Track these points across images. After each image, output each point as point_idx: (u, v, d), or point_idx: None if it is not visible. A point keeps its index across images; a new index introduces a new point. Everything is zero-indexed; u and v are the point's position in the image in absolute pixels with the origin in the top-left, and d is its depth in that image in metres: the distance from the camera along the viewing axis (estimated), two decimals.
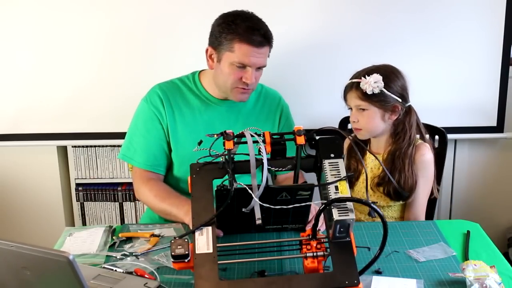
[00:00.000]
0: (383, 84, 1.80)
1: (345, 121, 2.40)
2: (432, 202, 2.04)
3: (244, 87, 1.81)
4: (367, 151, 1.92)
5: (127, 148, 1.93)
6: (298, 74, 2.45)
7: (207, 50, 1.85)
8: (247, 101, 1.93)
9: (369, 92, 1.80)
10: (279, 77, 2.33)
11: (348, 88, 1.88)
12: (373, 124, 1.87)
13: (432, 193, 1.95)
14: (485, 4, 2.37)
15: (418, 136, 1.95)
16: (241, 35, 1.74)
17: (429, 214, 2.06)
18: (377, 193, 1.91)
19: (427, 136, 1.97)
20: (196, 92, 1.93)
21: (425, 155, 1.89)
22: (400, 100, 1.84)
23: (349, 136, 1.53)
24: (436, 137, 2.16)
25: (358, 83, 1.83)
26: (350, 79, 1.89)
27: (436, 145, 2.19)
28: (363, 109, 1.85)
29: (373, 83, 1.79)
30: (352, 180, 1.94)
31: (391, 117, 1.87)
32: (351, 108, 1.91)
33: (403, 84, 1.87)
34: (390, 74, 1.85)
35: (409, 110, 1.90)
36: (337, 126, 2.39)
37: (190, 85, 1.94)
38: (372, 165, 1.96)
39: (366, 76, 1.81)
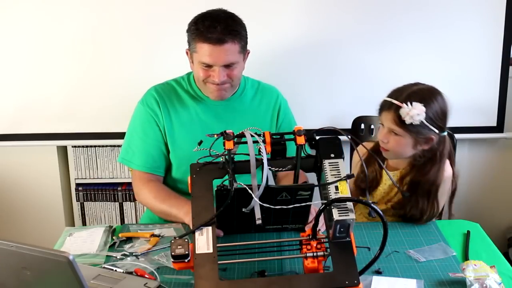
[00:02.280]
0: (424, 116, 1.67)
1: (357, 120, 2.40)
2: None
3: (216, 84, 1.81)
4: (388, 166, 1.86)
5: (126, 151, 1.94)
6: (298, 74, 2.45)
7: (186, 53, 1.86)
8: (244, 99, 1.94)
9: (408, 122, 1.67)
10: (279, 77, 2.33)
11: (386, 107, 1.73)
12: (403, 150, 1.76)
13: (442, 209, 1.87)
14: (485, 4, 2.37)
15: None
16: (199, 35, 1.74)
17: None
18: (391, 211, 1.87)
19: (455, 168, 1.84)
20: (191, 92, 1.93)
21: (446, 171, 1.80)
22: (437, 131, 1.71)
23: (348, 136, 1.49)
24: None
25: (398, 106, 1.68)
26: (389, 95, 1.74)
27: None
28: (397, 134, 1.72)
29: (416, 116, 1.65)
30: (370, 191, 1.85)
31: (423, 147, 1.75)
32: (382, 124, 1.78)
33: (444, 112, 1.72)
34: (432, 101, 1.70)
35: (443, 140, 1.77)
36: (350, 126, 2.40)
37: (185, 86, 1.94)
38: (390, 182, 1.85)
39: (408, 104, 1.66)
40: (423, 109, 1.66)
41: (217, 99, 1.86)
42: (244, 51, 1.82)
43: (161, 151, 1.91)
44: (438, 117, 1.71)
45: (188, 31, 1.81)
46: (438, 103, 1.72)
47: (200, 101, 1.92)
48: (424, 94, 1.71)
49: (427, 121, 1.68)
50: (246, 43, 1.82)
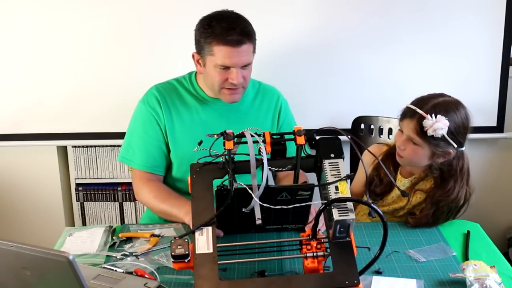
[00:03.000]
0: (447, 130, 1.65)
1: (357, 120, 2.40)
2: None
3: (232, 88, 1.81)
4: (401, 173, 1.85)
5: (126, 150, 1.94)
6: (299, 73, 2.45)
7: (193, 56, 1.85)
8: (245, 99, 1.94)
9: (429, 134, 1.64)
10: (280, 76, 2.34)
11: (408, 114, 1.70)
12: (419, 160, 1.74)
13: None
14: (485, 4, 2.38)
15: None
16: (217, 37, 1.73)
17: None
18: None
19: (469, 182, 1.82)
20: (193, 92, 1.93)
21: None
22: (456, 146, 1.69)
23: (348, 136, 1.49)
24: None
25: (421, 115, 1.66)
26: (413, 103, 1.71)
27: None
28: (415, 143, 1.70)
29: (439, 130, 1.63)
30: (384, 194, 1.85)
31: (440, 159, 1.72)
32: (401, 130, 1.74)
33: (466, 128, 1.70)
34: (457, 116, 1.67)
35: (462, 155, 1.75)
36: (350, 126, 2.40)
37: (187, 86, 1.94)
38: (404, 187, 1.83)
39: (433, 116, 1.63)
40: (447, 123, 1.64)
41: (231, 101, 1.85)
42: (255, 52, 1.83)
43: (162, 150, 1.91)
44: (460, 132, 1.69)
45: (200, 34, 1.77)
46: (461, 117, 1.69)
47: (202, 100, 1.92)
48: (449, 107, 1.68)
49: (448, 135, 1.65)
50: (255, 43, 1.83)
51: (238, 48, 1.73)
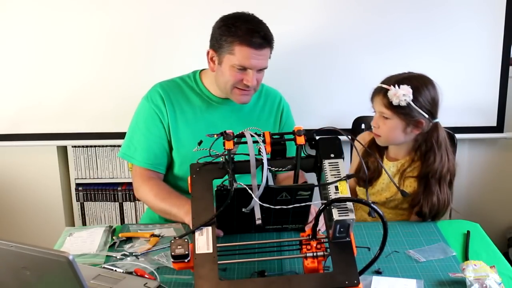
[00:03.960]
0: (411, 98, 1.72)
1: (357, 120, 2.40)
2: None
3: (245, 89, 1.81)
4: (388, 157, 1.90)
5: (128, 146, 1.93)
6: (299, 73, 2.45)
7: (208, 53, 1.84)
8: None
9: (395, 103, 1.73)
10: (280, 76, 2.33)
11: (376, 92, 1.81)
12: (393, 134, 1.81)
13: None
14: (485, 4, 2.38)
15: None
16: (241, 38, 1.74)
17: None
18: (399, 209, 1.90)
19: (453, 158, 1.87)
20: (197, 91, 1.93)
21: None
22: (426, 116, 1.77)
23: (348, 136, 1.50)
24: None
25: (387, 90, 1.76)
26: (381, 82, 1.82)
27: None
28: (386, 118, 1.79)
29: (402, 96, 1.71)
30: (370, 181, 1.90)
31: (414, 131, 1.80)
32: (375, 111, 1.85)
33: (434, 99, 1.79)
34: (421, 86, 1.76)
35: (436, 127, 1.81)
36: (350, 126, 2.40)
37: (191, 84, 1.94)
38: (391, 171, 1.88)
39: (396, 86, 1.73)
40: (410, 90, 1.72)
41: (242, 102, 1.86)
42: (270, 57, 1.85)
43: (164, 148, 1.91)
44: (427, 102, 1.77)
45: (223, 32, 1.77)
46: (428, 89, 1.78)
47: (206, 99, 1.92)
48: (412, 78, 1.77)
49: (415, 104, 1.73)
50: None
51: (259, 51, 1.76)
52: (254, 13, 1.83)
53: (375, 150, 1.91)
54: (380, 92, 1.79)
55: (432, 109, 1.78)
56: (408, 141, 1.84)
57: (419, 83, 1.77)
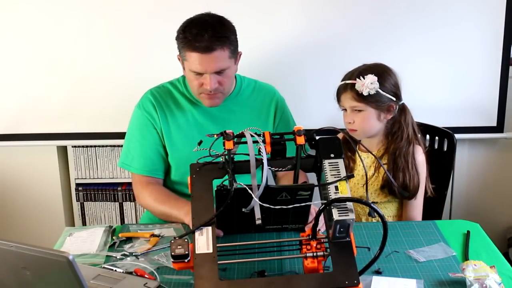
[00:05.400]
0: (378, 85, 1.80)
1: None
2: (439, 202, 2.07)
3: (208, 93, 1.80)
4: (361, 149, 1.92)
5: (125, 155, 1.95)
6: (298, 73, 2.45)
7: (179, 59, 1.86)
8: (239, 99, 1.94)
9: (365, 93, 1.79)
10: (279, 76, 2.34)
11: (342, 90, 1.86)
12: (369, 124, 1.86)
13: (426, 192, 1.95)
14: (485, 4, 2.37)
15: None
16: (188, 43, 1.73)
17: (436, 214, 2.09)
18: (381, 194, 1.91)
19: (419, 135, 1.96)
20: (186, 94, 1.93)
21: (419, 156, 1.90)
22: (394, 99, 1.84)
23: (348, 136, 1.52)
24: (428, 136, 2.18)
25: (353, 84, 1.81)
26: (343, 80, 1.88)
27: (436, 146, 2.19)
28: (359, 110, 1.84)
29: (370, 84, 1.78)
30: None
31: (387, 117, 1.87)
32: (345, 109, 1.89)
33: (396, 82, 1.87)
34: (383, 73, 1.84)
35: (403, 109, 1.90)
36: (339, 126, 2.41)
37: (181, 89, 1.94)
38: (365, 163, 1.93)
39: (361, 77, 1.80)
40: (375, 78, 1.79)
41: (210, 106, 1.86)
42: (235, 55, 1.81)
43: (160, 154, 1.92)
44: (392, 85, 1.85)
45: (177, 39, 1.79)
46: (389, 74, 1.86)
47: (196, 103, 1.92)
48: (373, 69, 1.84)
49: (382, 90, 1.81)
50: (236, 46, 1.80)
51: (209, 55, 1.72)
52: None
53: (345, 148, 1.91)
54: (347, 88, 1.85)
55: (397, 91, 1.87)
56: (382, 129, 1.90)
57: (380, 70, 1.84)
